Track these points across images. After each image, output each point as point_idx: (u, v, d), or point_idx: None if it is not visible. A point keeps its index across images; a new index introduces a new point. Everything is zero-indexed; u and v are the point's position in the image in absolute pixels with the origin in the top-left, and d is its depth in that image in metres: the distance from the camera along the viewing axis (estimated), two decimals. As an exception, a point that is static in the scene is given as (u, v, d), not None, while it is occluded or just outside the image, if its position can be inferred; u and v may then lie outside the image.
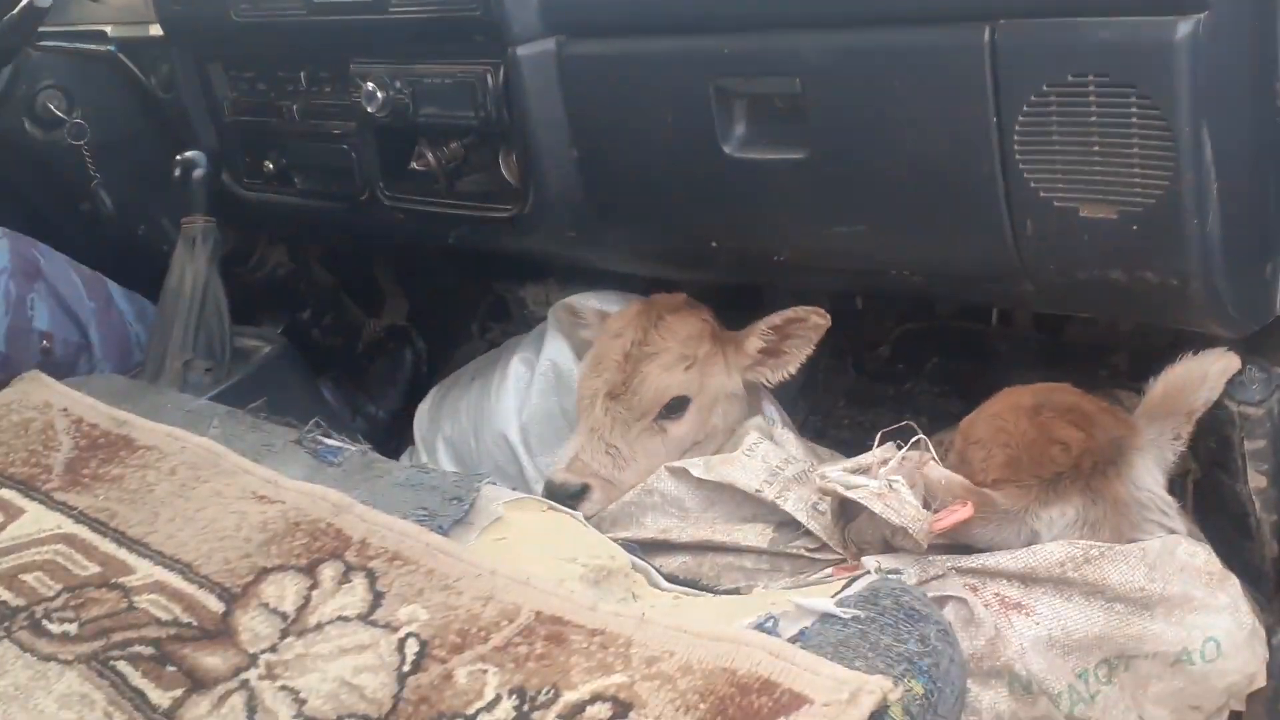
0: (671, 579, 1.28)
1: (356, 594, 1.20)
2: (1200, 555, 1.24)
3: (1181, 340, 1.52)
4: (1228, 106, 1.20)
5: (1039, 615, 1.22)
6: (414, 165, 1.77)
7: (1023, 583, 1.24)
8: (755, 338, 1.59)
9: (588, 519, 1.42)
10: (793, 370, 1.59)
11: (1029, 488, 1.30)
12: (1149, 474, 1.31)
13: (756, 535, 1.42)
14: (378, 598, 1.19)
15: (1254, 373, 1.44)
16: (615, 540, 1.53)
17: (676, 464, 1.53)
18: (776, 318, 1.57)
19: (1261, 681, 1.24)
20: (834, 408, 2.08)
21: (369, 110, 1.71)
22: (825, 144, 1.39)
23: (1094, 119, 1.20)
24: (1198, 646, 1.19)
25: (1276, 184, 1.29)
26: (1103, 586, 1.21)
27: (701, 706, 0.91)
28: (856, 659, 0.93)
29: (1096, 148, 1.22)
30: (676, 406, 1.56)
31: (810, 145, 1.40)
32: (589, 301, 1.75)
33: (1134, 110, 1.18)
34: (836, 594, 1.06)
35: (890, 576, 1.12)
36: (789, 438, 1.60)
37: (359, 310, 2.56)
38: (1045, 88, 1.22)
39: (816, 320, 1.55)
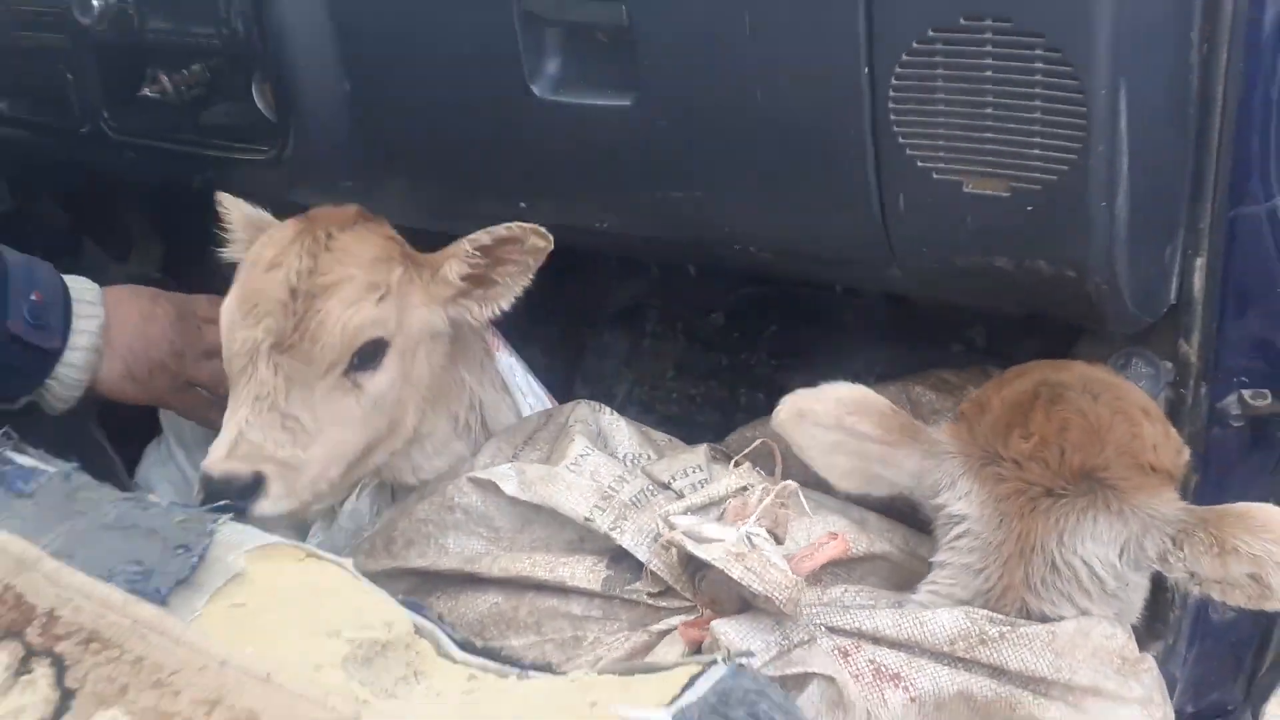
0: (467, 646, 1.01)
1: (38, 692, 0.89)
2: (1118, 638, 1.05)
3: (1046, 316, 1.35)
4: (1147, 62, 1.00)
5: (917, 689, 1.01)
6: (146, 91, 1.50)
7: (904, 650, 1.03)
8: (457, 261, 1.26)
9: (275, 519, 1.12)
10: (505, 305, 1.27)
11: (969, 441, 1.08)
12: (1097, 541, 1.03)
13: (586, 572, 1.16)
14: (66, 698, 0.88)
15: (1140, 367, 1.26)
16: (407, 570, 1.29)
17: (481, 474, 1.25)
18: (485, 236, 1.24)
19: None
20: (661, 379, 1.86)
21: (82, 21, 1.36)
22: (657, 88, 1.17)
23: (989, 74, 1.02)
24: None
25: (1185, 153, 1.10)
26: (998, 671, 1.01)
27: None
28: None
29: (990, 110, 1.03)
30: (371, 353, 1.21)
31: (639, 89, 1.18)
32: (240, 205, 1.34)
33: (1039, 65, 1.00)
34: (673, 699, 0.82)
35: (742, 669, 0.88)
36: (619, 427, 1.33)
37: (103, 255, 2.15)
38: (930, 32, 1.02)
39: (535, 242, 1.22)
